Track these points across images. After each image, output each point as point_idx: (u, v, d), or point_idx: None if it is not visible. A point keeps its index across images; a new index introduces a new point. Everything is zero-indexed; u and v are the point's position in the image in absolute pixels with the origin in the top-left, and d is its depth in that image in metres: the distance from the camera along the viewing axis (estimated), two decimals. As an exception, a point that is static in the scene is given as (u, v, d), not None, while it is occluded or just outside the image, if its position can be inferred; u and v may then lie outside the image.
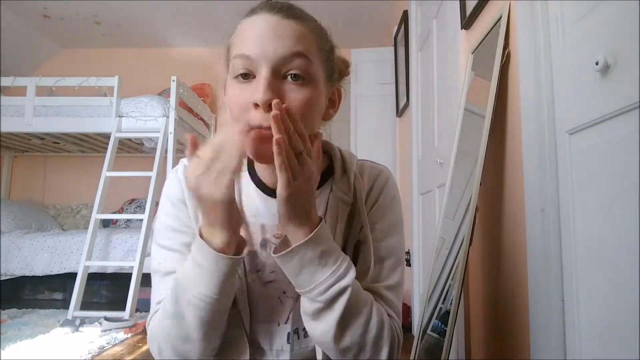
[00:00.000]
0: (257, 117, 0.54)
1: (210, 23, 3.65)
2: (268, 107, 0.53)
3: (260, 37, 0.56)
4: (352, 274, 0.57)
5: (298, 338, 0.66)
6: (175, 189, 0.67)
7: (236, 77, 0.58)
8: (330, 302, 0.56)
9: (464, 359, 1.53)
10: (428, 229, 2.13)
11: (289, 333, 0.65)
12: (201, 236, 0.56)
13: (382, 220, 0.67)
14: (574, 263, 0.90)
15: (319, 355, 0.63)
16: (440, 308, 1.34)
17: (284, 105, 0.52)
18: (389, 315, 0.62)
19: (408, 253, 2.48)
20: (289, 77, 0.56)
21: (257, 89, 0.54)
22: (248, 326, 0.64)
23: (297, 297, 0.65)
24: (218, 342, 0.61)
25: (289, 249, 0.55)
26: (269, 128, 0.51)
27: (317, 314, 0.57)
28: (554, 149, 0.98)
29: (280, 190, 0.53)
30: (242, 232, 0.65)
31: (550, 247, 0.96)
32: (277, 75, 0.56)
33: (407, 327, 2.34)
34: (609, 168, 0.79)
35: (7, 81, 2.95)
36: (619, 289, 0.76)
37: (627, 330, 0.73)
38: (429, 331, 1.40)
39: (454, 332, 1.22)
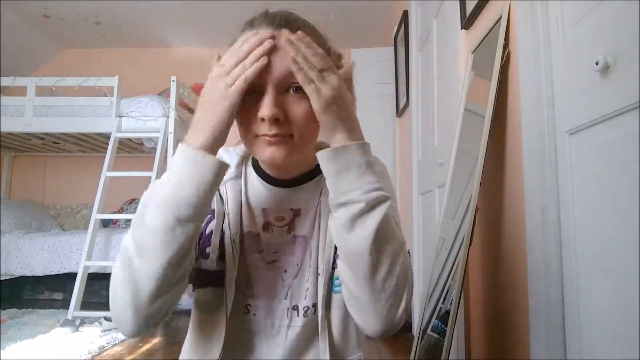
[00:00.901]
0: (264, 128, 0.58)
1: (210, 23, 3.64)
2: (273, 120, 0.57)
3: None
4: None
5: (297, 315, 0.68)
6: None
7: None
8: (374, 205, 0.56)
9: (464, 359, 1.53)
10: (428, 229, 2.13)
11: (287, 308, 0.68)
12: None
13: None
14: (574, 263, 0.90)
15: (322, 335, 0.65)
16: (440, 308, 1.34)
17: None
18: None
19: (408, 253, 2.47)
20: (291, 90, 0.59)
21: (264, 105, 0.57)
22: (230, 305, 0.65)
23: (295, 275, 0.68)
24: (171, 283, 0.57)
25: (342, 144, 0.57)
26: (275, 135, 0.58)
27: (354, 220, 0.56)
28: (554, 149, 0.98)
29: (314, 103, 0.56)
30: (247, 214, 0.69)
31: (550, 247, 0.96)
32: (280, 89, 0.59)
33: (407, 327, 2.34)
34: (609, 168, 0.79)
35: (7, 81, 2.95)
36: (619, 289, 0.76)
37: (627, 330, 0.73)
38: (429, 331, 1.40)
39: (454, 332, 1.22)
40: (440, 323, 1.30)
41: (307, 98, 0.58)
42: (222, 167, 0.57)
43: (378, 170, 0.71)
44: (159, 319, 0.58)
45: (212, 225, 0.67)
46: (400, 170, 2.93)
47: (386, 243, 0.56)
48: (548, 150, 0.98)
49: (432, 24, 2.11)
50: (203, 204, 0.56)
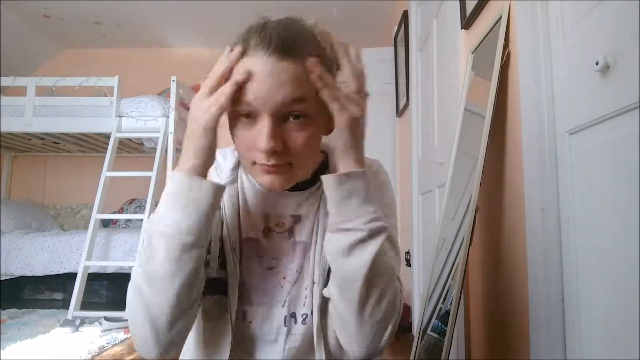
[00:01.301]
0: (262, 157, 0.57)
1: (210, 23, 3.64)
2: (272, 153, 0.57)
3: (259, 84, 0.56)
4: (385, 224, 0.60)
5: (295, 322, 0.67)
6: None
7: (239, 115, 0.59)
8: (372, 235, 0.57)
9: (464, 359, 1.53)
10: (428, 229, 2.13)
11: (285, 316, 0.67)
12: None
13: (378, 203, 0.68)
14: (574, 263, 0.90)
15: (317, 342, 0.64)
16: (440, 308, 1.34)
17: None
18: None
19: (408, 253, 2.48)
20: (290, 118, 0.58)
21: (261, 137, 0.56)
22: (234, 312, 0.64)
23: (294, 282, 0.67)
24: (187, 306, 0.58)
25: (347, 171, 0.58)
26: (273, 166, 0.57)
27: (353, 247, 0.57)
28: (554, 149, 0.98)
29: (337, 119, 0.58)
30: (245, 220, 0.68)
31: (550, 247, 0.96)
32: (279, 118, 0.58)
33: (407, 327, 2.34)
34: (609, 168, 0.79)
35: (7, 81, 2.95)
36: (619, 289, 0.76)
37: (627, 330, 0.73)
38: (429, 331, 1.40)
39: (454, 332, 1.22)
40: (440, 323, 1.30)
41: (308, 124, 0.58)
42: (218, 190, 0.58)
43: (382, 181, 0.71)
44: (180, 340, 0.60)
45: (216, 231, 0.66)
46: (400, 170, 2.93)
47: (379, 274, 0.57)
48: (548, 150, 0.98)
49: (432, 24, 2.11)
50: (205, 228, 0.57)
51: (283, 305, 0.67)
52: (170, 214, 0.56)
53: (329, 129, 0.65)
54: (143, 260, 0.57)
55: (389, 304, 0.58)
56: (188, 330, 0.61)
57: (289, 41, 0.57)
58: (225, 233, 0.66)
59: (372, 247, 0.56)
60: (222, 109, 0.56)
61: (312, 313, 0.66)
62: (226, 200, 0.67)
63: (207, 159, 0.58)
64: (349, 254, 0.57)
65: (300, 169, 0.61)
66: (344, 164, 0.59)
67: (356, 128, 0.59)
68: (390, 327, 0.59)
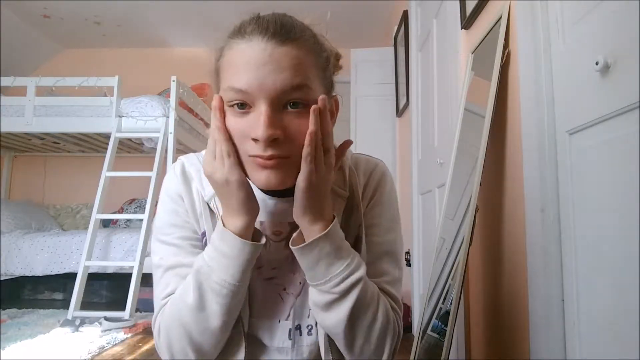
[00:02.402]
0: (256, 149, 0.54)
1: (210, 23, 3.64)
2: (270, 142, 0.53)
3: (255, 69, 0.53)
4: (364, 267, 0.60)
5: (300, 335, 0.66)
6: (173, 183, 0.68)
7: (231, 105, 0.56)
8: (344, 294, 0.58)
9: (464, 359, 1.53)
10: (428, 229, 2.13)
11: (290, 329, 0.66)
12: (223, 225, 0.58)
13: (381, 216, 0.68)
14: (574, 263, 0.90)
15: (325, 355, 0.64)
16: (440, 308, 1.34)
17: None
18: (392, 308, 0.64)
19: (408, 253, 2.47)
20: (289, 106, 0.55)
21: (258, 125, 0.53)
22: (247, 324, 0.64)
23: (298, 294, 0.66)
24: (225, 338, 0.62)
25: (309, 241, 0.57)
26: (270, 158, 0.54)
27: (330, 305, 0.58)
28: (554, 149, 0.98)
29: (301, 181, 0.56)
30: None
31: (550, 247, 0.96)
32: (276, 107, 0.54)
33: (407, 327, 2.34)
34: (609, 168, 0.79)
35: (7, 81, 2.95)
36: (619, 289, 0.76)
37: (627, 330, 0.73)
38: (429, 331, 1.40)
39: (454, 332, 1.21)
40: (440, 323, 1.30)
41: (307, 113, 0.55)
42: (260, 246, 0.59)
43: (387, 191, 0.70)
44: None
45: None
46: (400, 170, 2.93)
47: (361, 319, 0.59)
48: (548, 150, 0.98)
49: (432, 24, 2.11)
50: (249, 275, 0.60)
51: (287, 318, 0.66)
52: (223, 273, 0.57)
53: (330, 115, 0.64)
54: (194, 310, 0.58)
55: (378, 338, 0.60)
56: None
57: (287, 26, 0.56)
58: None
59: (347, 303, 0.57)
60: (232, 155, 0.55)
61: (316, 325, 0.65)
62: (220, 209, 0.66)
63: (253, 212, 0.58)
64: (327, 310, 0.59)
65: (298, 162, 0.57)
66: (304, 229, 0.58)
67: (316, 191, 0.57)
68: (386, 354, 0.61)
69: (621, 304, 0.76)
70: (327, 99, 0.56)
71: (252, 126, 0.54)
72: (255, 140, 0.54)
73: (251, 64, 0.54)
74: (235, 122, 0.56)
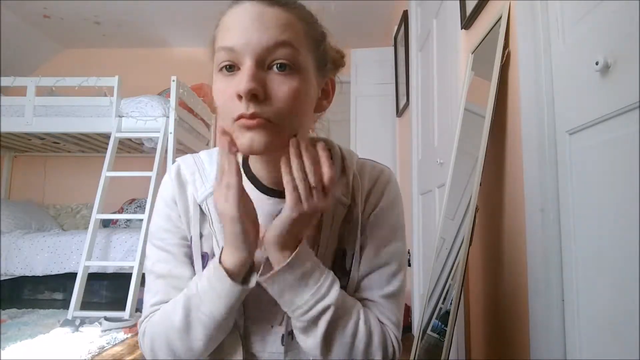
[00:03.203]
0: (240, 107, 0.53)
1: (210, 23, 3.63)
2: (251, 97, 0.52)
3: (243, 27, 0.53)
4: (334, 291, 0.58)
5: (292, 339, 0.64)
6: (168, 188, 0.68)
7: (220, 69, 0.56)
8: (314, 321, 0.58)
9: (464, 359, 1.53)
10: (428, 229, 2.13)
11: (283, 335, 0.65)
12: (220, 256, 0.58)
13: (383, 225, 0.66)
14: (574, 263, 0.90)
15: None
16: (440, 308, 1.34)
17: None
18: (382, 323, 0.62)
19: (408, 253, 2.48)
20: (275, 67, 0.54)
21: (241, 80, 0.52)
22: (242, 328, 0.64)
23: None
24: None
25: (268, 275, 0.57)
26: (252, 117, 0.52)
27: (304, 331, 0.59)
28: (554, 149, 0.98)
29: (286, 211, 0.54)
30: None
31: (550, 247, 0.96)
32: (262, 65, 0.54)
33: (407, 327, 2.34)
34: (609, 168, 0.79)
35: (7, 81, 2.95)
36: (619, 289, 0.76)
37: (627, 330, 0.73)
38: (429, 331, 1.40)
39: (454, 332, 1.21)
40: (440, 323, 1.30)
41: (294, 76, 0.54)
42: (249, 288, 0.59)
43: (392, 200, 0.68)
44: None
45: (206, 247, 0.65)
46: (400, 170, 2.93)
47: (339, 340, 0.59)
48: (548, 150, 0.98)
49: (432, 24, 2.11)
50: (236, 311, 0.61)
51: (281, 324, 0.65)
52: (211, 306, 0.58)
53: (320, 106, 0.63)
54: (180, 331, 0.59)
55: (362, 351, 0.59)
56: None
57: None
58: (215, 246, 0.65)
59: (319, 329, 0.58)
60: (237, 186, 0.54)
61: None
62: (212, 212, 0.65)
63: (245, 247, 0.56)
64: (303, 334, 0.59)
65: (284, 126, 0.54)
66: (271, 255, 0.57)
67: (295, 226, 0.55)
68: None
69: (621, 304, 0.76)
70: (296, 140, 0.55)
71: (237, 84, 0.53)
72: (239, 97, 0.52)
73: (240, 22, 0.54)
74: (222, 84, 0.55)
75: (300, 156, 0.54)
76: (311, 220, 0.56)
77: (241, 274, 0.58)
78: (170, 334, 0.60)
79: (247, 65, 0.53)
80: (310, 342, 0.59)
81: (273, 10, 0.55)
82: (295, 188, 0.53)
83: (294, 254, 0.56)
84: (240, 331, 0.64)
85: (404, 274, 0.67)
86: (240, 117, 0.53)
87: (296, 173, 0.53)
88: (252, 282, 0.59)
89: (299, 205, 0.53)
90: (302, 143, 0.55)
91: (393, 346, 0.62)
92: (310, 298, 0.57)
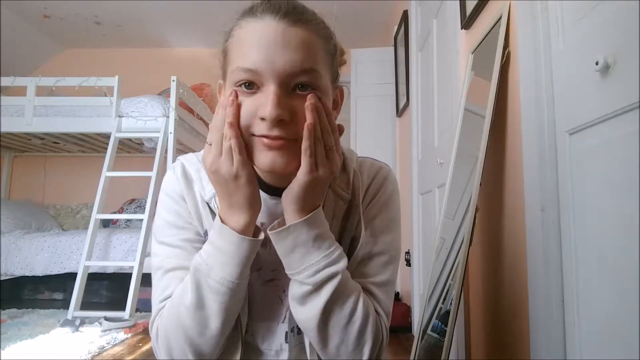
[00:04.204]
0: (263, 128, 0.53)
1: (210, 23, 3.64)
2: (277, 122, 0.53)
3: (266, 48, 0.53)
4: (344, 262, 0.58)
5: (298, 334, 0.66)
6: (175, 185, 0.68)
7: (238, 85, 0.55)
8: (319, 287, 0.56)
9: (464, 359, 1.53)
10: (428, 229, 2.13)
11: (286, 332, 0.65)
12: (221, 221, 0.57)
13: (380, 215, 0.67)
14: (574, 263, 0.90)
15: (310, 355, 0.63)
16: (440, 308, 1.34)
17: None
18: (376, 311, 0.62)
19: (408, 253, 2.48)
20: (297, 88, 0.55)
21: (266, 105, 0.52)
22: (244, 326, 0.64)
23: None
24: (225, 339, 0.61)
25: (285, 227, 0.56)
26: (276, 138, 0.53)
27: (304, 298, 0.57)
28: (554, 149, 0.98)
29: (300, 175, 0.54)
30: None
31: (550, 247, 0.96)
32: (285, 88, 0.54)
33: (407, 327, 2.34)
34: (609, 168, 0.79)
35: (7, 81, 2.95)
36: (619, 289, 0.76)
37: (627, 330, 0.73)
38: (429, 331, 1.40)
39: (454, 332, 1.21)
40: (440, 323, 1.30)
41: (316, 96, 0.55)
42: (259, 242, 0.58)
43: (390, 194, 0.69)
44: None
45: None
46: (400, 170, 2.93)
47: (336, 317, 0.57)
48: (548, 150, 0.98)
49: (432, 24, 2.11)
50: (248, 272, 0.59)
51: (284, 321, 0.66)
52: (221, 270, 0.56)
53: (335, 105, 0.64)
54: (192, 310, 0.57)
55: (356, 340, 0.58)
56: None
57: (298, 9, 0.56)
58: None
59: (322, 296, 0.56)
60: (243, 149, 0.54)
61: None
62: None
63: (257, 210, 0.57)
64: (302, 303, 0.58)
65: None
66: (287, 215, 0.57)
67: (315, 188, 0.55)
68: (367, 352, 0.58)
69: (621, 304, 0.76)
70: (315, 96, 0.54)
71: (260, 105, 0.53)
72: (262, 119, 0.53)
73: (262, 41, 0.53)
74: (243, 99, 0.55)
75: (320, 122, 0.54)
76: (325, 184, 0.57)
77: (250, 233, 0.57)
78: (183, 317, 0.58)
79: (271, 90, 0.53)
80: (307, 312, 0.57)
81: (296, 30, 0.54)
82: (313, 154, 0.53)
83: (312, 212, 0.57)
84: (242, 330, 0.63)
85: (396, 266, 0.68)
86: (263, 135, 0.54)
87: (316, 139, 0.54)
88: (261, 236, 0.58)
89: (314, 170, 0.54)
90: (320, 106, 0.54)
91: (382, 335, 0.61)
92: (321, 260, 0.56)
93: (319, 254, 0.56)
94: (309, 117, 0.53)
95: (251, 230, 0.57)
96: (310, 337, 0.60)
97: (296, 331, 0.66)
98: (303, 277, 0.57)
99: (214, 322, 0.57)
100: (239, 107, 0.54)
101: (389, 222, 0.67)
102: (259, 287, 0.66)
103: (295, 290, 0.58)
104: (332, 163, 0.55)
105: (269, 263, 0.65)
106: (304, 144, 0.53)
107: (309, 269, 0.56)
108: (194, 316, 0.57)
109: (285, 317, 0.66)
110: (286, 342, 0.65)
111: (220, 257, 0.56)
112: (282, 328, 0.65)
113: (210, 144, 0.55)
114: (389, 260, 0.66)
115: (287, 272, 0.59)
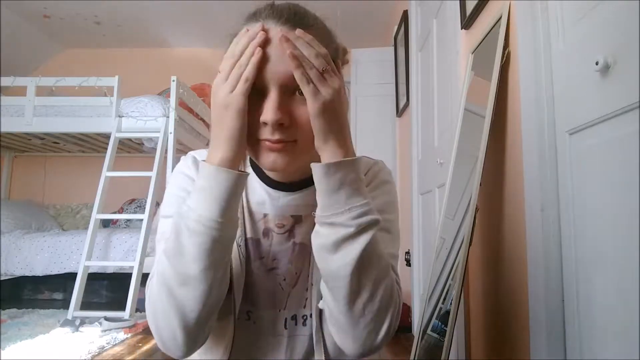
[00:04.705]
0: (266, 132, 0.55)
1: (210, 23, 3.65)
2: (277, 125, 0.54)
3: (268, 53, 0.54)
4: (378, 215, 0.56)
5: (296, 324, 0.67)
6: (186, 169, 0.68)
7: None
8: (360, 231, 0.53)
9: (464, 359, 1.53)
10: (428, 229, 2.13)
11: (286, 318, 0.67)
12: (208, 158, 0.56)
13: (378, 198, 0.67)
14: (574, 263, 0.90)
15: (316, 345, 0.64)
16: (440, 308, 1.34)
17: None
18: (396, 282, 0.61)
19: (408, 253, 2.48)
20: (297, 92, 0.55)
21: (267, 109, 0.54)
22: (238, 306, 0.64)
23: (294, 285, 0.67)
24: (216, 302, 0.58)
25: (335, 161, 0.53)
26: (277, 141, 0.54)
27: (340, 243, 0.53)
28: (554, 149, 0.98)
29: (310, 105, 0.53)
30: (247, 219, 0.67)
31: (550, 247, 0.96)
32: (286, 91, 0.55)
33: (407, 327, 2.34)
34: (609, 168, 0.79)
35: (7, 81, 2.95)
36: (619, 289, 0.76)
37: (627, 330, 0.73)
38: (429, 331, 1.40)
39: (454, 332, 1.22)
40: (440, 323, 1.30)
41: None
42: (242, 177, 0.55)
43: (384, 181, 0.69)
44: (205, 337, 0.59)
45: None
46: (400, 170, 2.93)
47: (369, 268, 0.54)
48: (548, 150, 0.98)
49: (432, 24, 2.12)
50: (233, 220, 0.56)
51: (284, 308, 0.67)
52: (199, 208, 0.53)
53: None
54: (172, 258, 0.54)
55: (383, 299, 0.55)
56: (211, 328, 0.60)
57: (300, 13, 0.57)
58: None
59: (360, 243, 0.53)
60: (250, 81, 0.52)
61: (311, 316, 0.66)
62: None
63: (237, 147, 0.54)
64: (335, 251, 0.54)
65: (306, 148, 0.57)
66: (328, 154, 0.54)
67: (331, 112, 0.53)
68: (387, 323, 0.55)
69: (621, 303, 0.76)
70: (285, 36, 0.53)
71: (263, 112, 0.54)
72: (264, 123, 0.54)
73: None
74: (247, 107, 0.55)
75: (306, 47, 0.53)
76: (336, 106, 0.54)
77: (233, 168, 0.55)
78: (165, 268, 0.55)
79: (272, 94, 0.54)
80: (340, 259, 0.53)
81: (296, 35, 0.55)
82: (309, 80, 0.52)
83: (357, 157, 0.56)
84: (235, 315, 0.64)
85: (397, 241, 0.67)
86: (265, 139, 0.55)
87: (306, 64, 0.52)
88: (247, 170, 0.57)
89: (318, 94, 0.53)
90: (305, 34, 0.54)
91: (398, 309, 0.58)
92: (365, 204, 0.54)
93: (363, 198, 0.55)
94: (286, 47, 0.52)
95: (232, 166, 0.54)
96: (337, 292, 0.55)
97: (301, 321, 0.67)
98: (346, 218, 0.53)
99: (193, 268, 0.53)
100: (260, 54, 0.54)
101: (387, 204, 0.67)
102: (263, 275, 0.67)
103: (330, 235, 0.54)
104: (332, 81, 0.54)
105: (271, 253, 0.67)
106: (296, 74, 0.52)
107: (355, 210, 0.53)
108: (174, 264, 0.54)
109: (285, 305, 0.67)
110: (285, 328, 0.67)
111: (199, 195, 0.54)
112: (283, 315, 0.67)
113: (220, 72, 0.55)
114: (393, 238, 0.66)
115: (326, 212, 0.54)
